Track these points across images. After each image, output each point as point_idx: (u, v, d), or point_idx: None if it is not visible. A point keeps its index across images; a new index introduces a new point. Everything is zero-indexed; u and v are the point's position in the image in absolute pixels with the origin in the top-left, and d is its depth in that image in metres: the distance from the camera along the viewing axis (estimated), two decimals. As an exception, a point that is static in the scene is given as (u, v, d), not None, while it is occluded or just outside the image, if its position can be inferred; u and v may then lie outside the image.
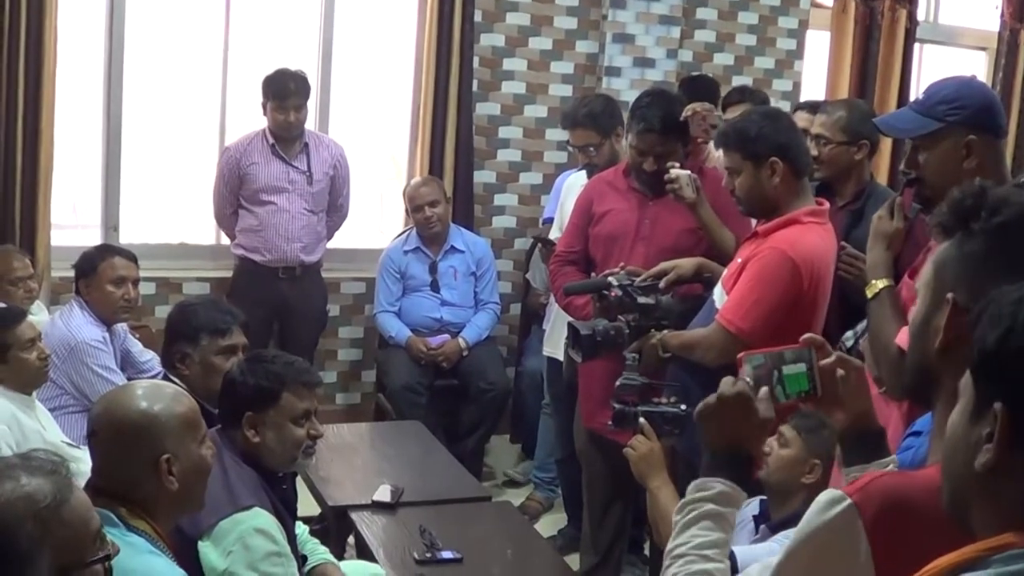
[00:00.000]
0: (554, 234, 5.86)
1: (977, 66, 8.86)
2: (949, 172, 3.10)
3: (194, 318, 4.23)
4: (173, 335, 4.24)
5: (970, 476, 1.51)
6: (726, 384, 2.30)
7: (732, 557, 3.33)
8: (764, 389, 2.31)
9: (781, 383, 2.33)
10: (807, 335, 2.39)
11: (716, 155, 4.54)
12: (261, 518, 3.35)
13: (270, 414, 3.55)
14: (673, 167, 4.55)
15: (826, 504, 1.84)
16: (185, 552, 3.20)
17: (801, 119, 4.92)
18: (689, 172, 4.50)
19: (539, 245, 6.48)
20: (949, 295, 1.85)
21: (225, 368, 3.99)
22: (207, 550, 3.27)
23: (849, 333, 3.73)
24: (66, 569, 2.05)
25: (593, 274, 4.75)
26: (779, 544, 3.07)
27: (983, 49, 9.02)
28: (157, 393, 3.01)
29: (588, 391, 4.80)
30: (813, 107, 5.24)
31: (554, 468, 6.37)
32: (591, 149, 5.59)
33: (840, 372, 2.32)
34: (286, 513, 3.58)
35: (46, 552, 2.02)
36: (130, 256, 5.38)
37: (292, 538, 3.61)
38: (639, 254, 4.61)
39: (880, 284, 3.20)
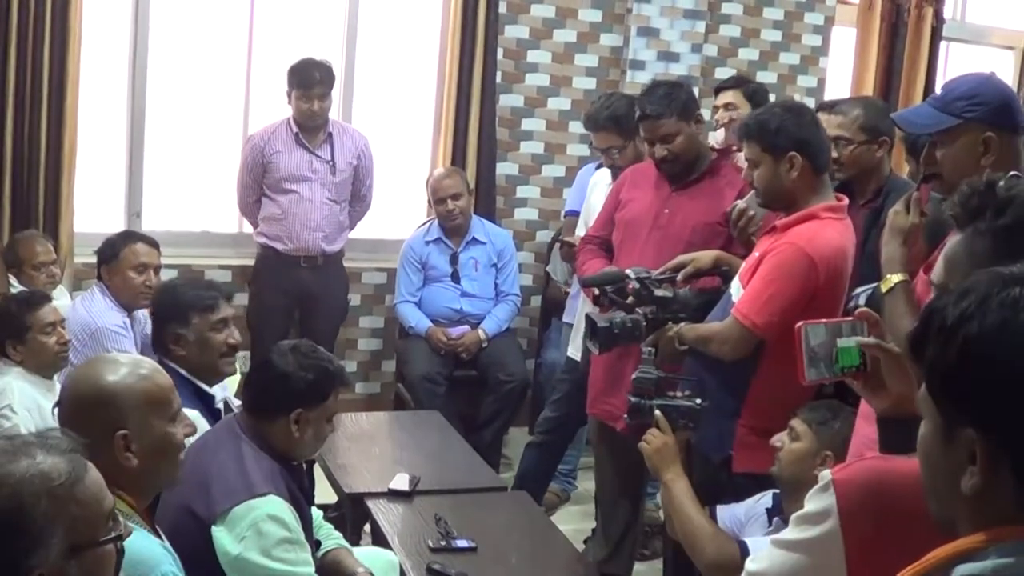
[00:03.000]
0: (580, 231, 5.84)
1: (1004, 65, 8.82)
2: (966, 168, 3.09)
3: (181, 298, 4.23)
4: (163, 318, 4.24)
5: (956, 497, 1.49)
6: None
7: (744, 547, 3.37)
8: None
9: (836, 356, 2.33)
10: (862, 309, 2.40)
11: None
12: (275, 505, 3.37)
13: (316, 411, 3.58)
14: (711, 153, 4.63)
15: (819, 483, 1.89)
16: (198, 536, 3.23)
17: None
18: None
19: (558, 244, 6.48)
20: None
21: (221, 341, 4.13)
22: (220, 535, 3.29)
23: (859, 290, 3.74)
24: (78, 547, 2.06)
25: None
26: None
27: (1010, 48, 8.99)
28: (126, 368, 2.94)
29: (593, 378, 4.84)
30: (830, 107, 5.22)
31: (572, 461, 6.39)
32: (614, 152, 5.54)
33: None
34: (303, 500, 3.60)
35: (59, 530, 2.03)
36: (152, 243, 5.40)
37: (308, 524, 3.63)
38: (654, 242, 4.62)
39: (895, 279, 3.19)
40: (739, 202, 4.38)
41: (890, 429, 2.32)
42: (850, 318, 2.35)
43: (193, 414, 3.69)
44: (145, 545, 2.75)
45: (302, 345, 3.70)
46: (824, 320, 2.36)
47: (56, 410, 2.96)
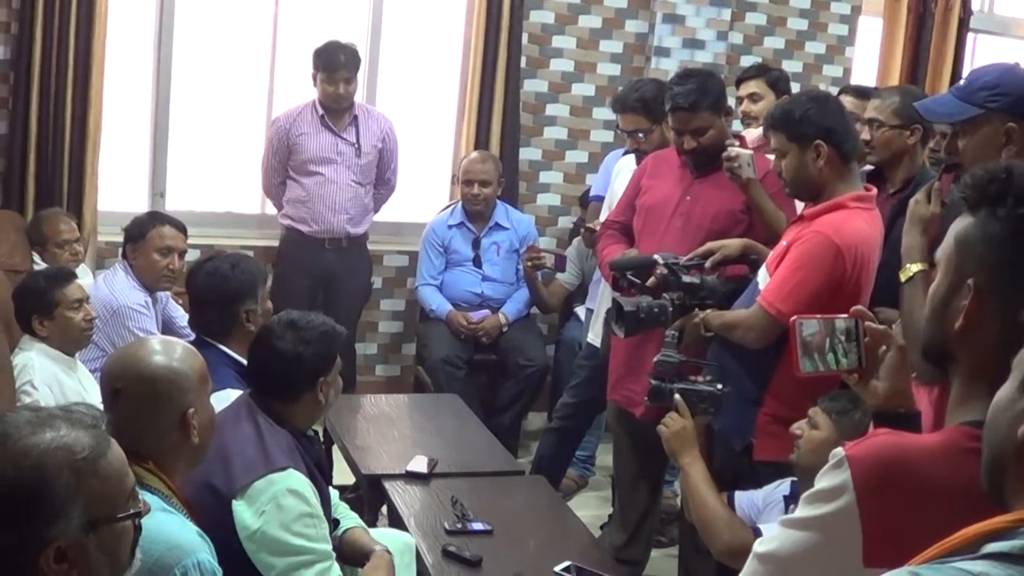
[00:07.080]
0: (604, 216, 5.84)
1: (1031, 57, 8.76)
2: (988, 159, 3.07)
3: (247, 275, 4.23)
4: (235, 298, 4.18)
5: (1010, 443, 1.51)
6: None
7: (758, 534, 3.37)
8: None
9: (833, 351, 2.35)
10: (856, 307, 2.41)
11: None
12: (295, 479, 3.39)
13: (332, 371, 3.64)
14: (732, 145, 4.55)
15: (832, 460, 1.91)
16: (219, 510, 3.25)
17: (846, 103, 4.89)
18: (751, 152, 4.47)
19: (582, 231, 6.47)
20: (970, 281, 1.85)
21: (270, 309, 4.15)
22: (241, 509, 3.31)
23: None
24: (97, 521, 2.08)
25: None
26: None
27: (1038, 40, 8.94)
28: (175, 349, 3.05)
29: (614, 364, 4.84)
30: (860, 92, 5.20)
31: (590, 447, 6.40)
32: (640, 135, 5.44)
33: (882, 348, 2.33)
34: (319, 475, 3.62)
35: (80, 503, 2.05)
36: (180, 227, 5.40)
37: (326, 501, 3.64)
38: (675, 229, 4.61)
39: (914, 268, 3.19)
40: (731, 149, 4.44)
41: (885, 423, 2.33)
42: (843, 315, 2.37)
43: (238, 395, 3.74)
44: (183, 532, 2.80)
45: (294, 318, 3.66)
46: (818, 315, 2.39)
47: (112, 398, 2.99)
